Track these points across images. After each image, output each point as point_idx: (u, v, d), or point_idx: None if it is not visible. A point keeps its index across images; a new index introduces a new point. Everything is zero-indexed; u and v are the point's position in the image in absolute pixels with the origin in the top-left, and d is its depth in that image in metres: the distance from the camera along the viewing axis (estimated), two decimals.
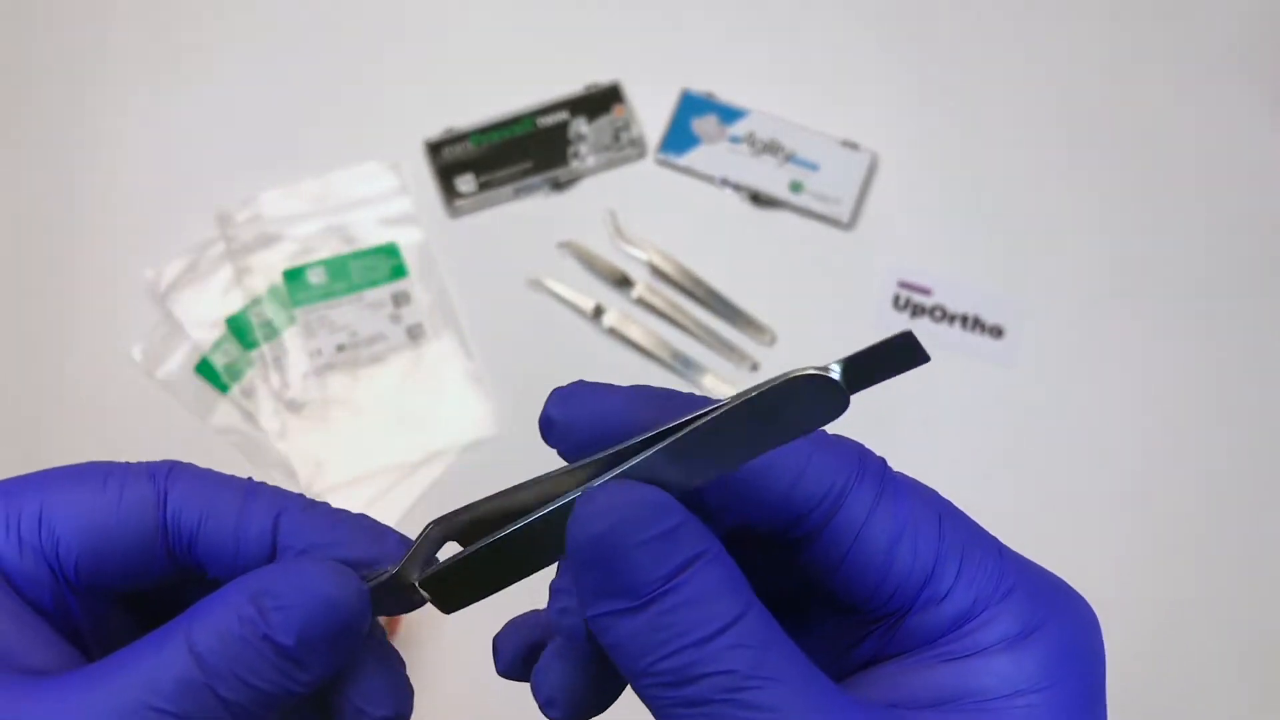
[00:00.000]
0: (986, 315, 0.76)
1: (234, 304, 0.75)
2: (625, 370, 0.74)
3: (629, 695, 0.26)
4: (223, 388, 0.74)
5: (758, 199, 0.79)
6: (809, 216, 0.78)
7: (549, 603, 0.27)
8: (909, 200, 0.79)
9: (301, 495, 0.28)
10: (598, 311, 0.75)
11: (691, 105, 0.80)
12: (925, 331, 0.76)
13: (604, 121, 0.80)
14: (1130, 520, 0.73)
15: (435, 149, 0.79)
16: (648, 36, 0.83)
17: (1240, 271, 0.78)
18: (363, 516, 0.28)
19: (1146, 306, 0.77)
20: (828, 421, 0.24)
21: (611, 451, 0.25)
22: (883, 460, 0.27)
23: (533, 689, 0.27)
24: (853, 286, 0.77)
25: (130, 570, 0.27)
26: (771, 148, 0.79)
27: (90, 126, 0.79)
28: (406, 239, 0.77)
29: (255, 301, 0.75)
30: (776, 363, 0.75)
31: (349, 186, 0.78)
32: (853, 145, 0.79)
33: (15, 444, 0.73)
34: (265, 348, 0.74)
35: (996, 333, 0.76)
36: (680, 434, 0.24)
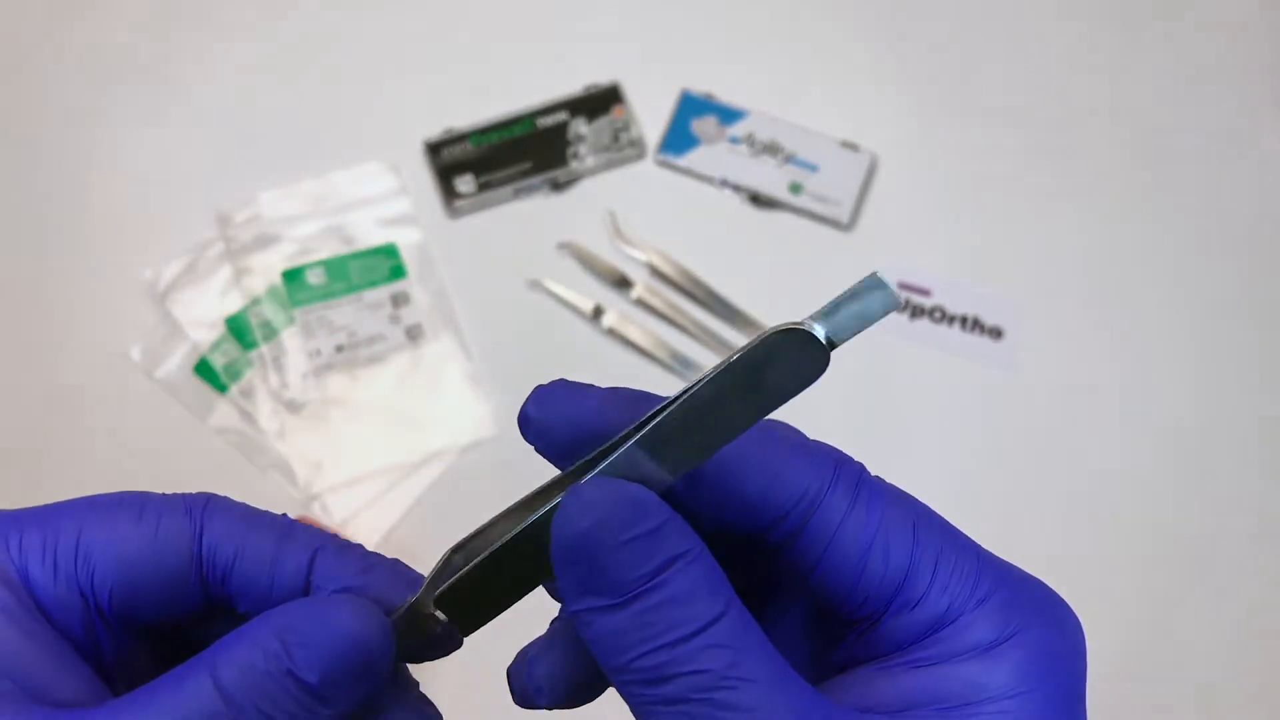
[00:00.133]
0: (986, 316, 0.76)
1: (233, 304, 0.75)
2: (624, 371, 0.74)
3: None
4: (222, 388, 0.74)
5: (757, 200, 0.78)
6: (808, 217, 0.78)
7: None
8: (909, 201, 0.79)
9: (336, 535, 0.28)
10: (597, 312, 0.75)
11: (691, 106, 0.80)
12: (925, 332, 0.76)
13: (603, 122, 0.80)
14: (1130, 521, 0.73)
15: (435, 149, 0.79)
16: (647, 37, 0.83)
17: (1240, 272, 0.78)
18: (396, 561, 0.29)
19: (1146, 308, 0.77)
20: (809, 382, 0.24)
21: (603, 449, 0.25)
22: (861, 466, 0.27)
23: (523, 676, 0.27)
24: None
25: (162, 602, 0.27)
26: (771, 148, 0.79)
27: (89, 127, 0.79)
28: (406, 239, 0.77)
29: (254, 302, 0.75)
30: None
31: (348, 187, 0.78)
32: (852, 146, 0.79)
33: (15, 444, 0.73)
34: (264, 348, 0.74)
35: (996, 334, 0.76)
36: (663, 415, 0.24)
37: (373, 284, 0.76)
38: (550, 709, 0.27)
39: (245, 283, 0.75)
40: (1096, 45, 0.84)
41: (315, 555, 0.27)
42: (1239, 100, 0.82)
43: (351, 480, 0.72)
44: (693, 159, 0.79)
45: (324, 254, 0.76)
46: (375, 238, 0.77)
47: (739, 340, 0.75)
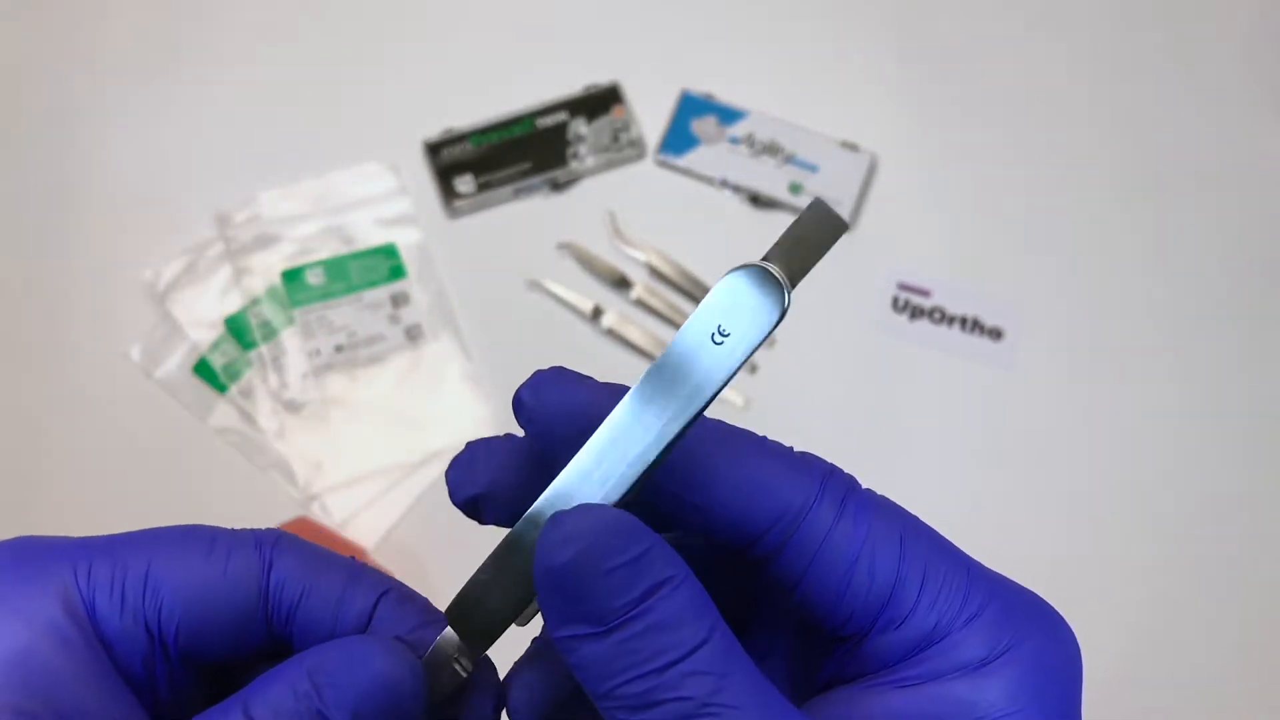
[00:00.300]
0: (986, 317, 0.76)
1: (232, 304, 0.75)
2: (624, 371, 0.74)
3: None
4: (221, 388, 0.74)
5: (757, 200, 0.78)
6: None
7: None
8: (909, 202, 0.79)
9: (403, 584, 0.28)
10: (596, 312, 0.75)
11: (691, 106, 0.80)
12: (925, 333, 0.76)
13: (603, 122, 0.80)
14: (1130, 522, 0.73)
15: (434, 149, 0.79)
16: (647, 37, 0.83)
17: (1240, 273, 0.78)
18: None
19: (1146, 308, 0.77)
20: (770, 323, 0.24)
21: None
22: (851, 478, 0.26)
23: (507, 697, 0.27)
24: (852, 288, 0.77)
25: (227, 640, 0.26)
26: (771, 149, 0.79)
27: (89, 126, 0.79)
28: (405, 240, 0.77)
29: (254, 302, 0.75)
30: (776, 365, 0.75)
31: (348, 187, 0.78)
32: (852, 146, 0.79)
33: (14, 444, 0.73)
34: (264, 348, 0.74)
35: (996, 335, 0.76)
36: (642, 378, 0.24)
37: (372, 284, 0.76)
38: None
39: (245, 283, 0.75)
40: (1097, 46, 0.84)
41: (382, 597, 0.27)
42: (1239, 101, 0.82)
43: (351, 480, 0.72)
44: (693, 159, 0.79)
45: (323, 254, 0.76)
46: (375, 238, 0.77)
47: None
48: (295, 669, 0.25)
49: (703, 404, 0.24)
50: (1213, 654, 0.70)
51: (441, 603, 0.27)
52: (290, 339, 0.74)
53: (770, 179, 0.78)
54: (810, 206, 0.23)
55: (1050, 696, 0.25)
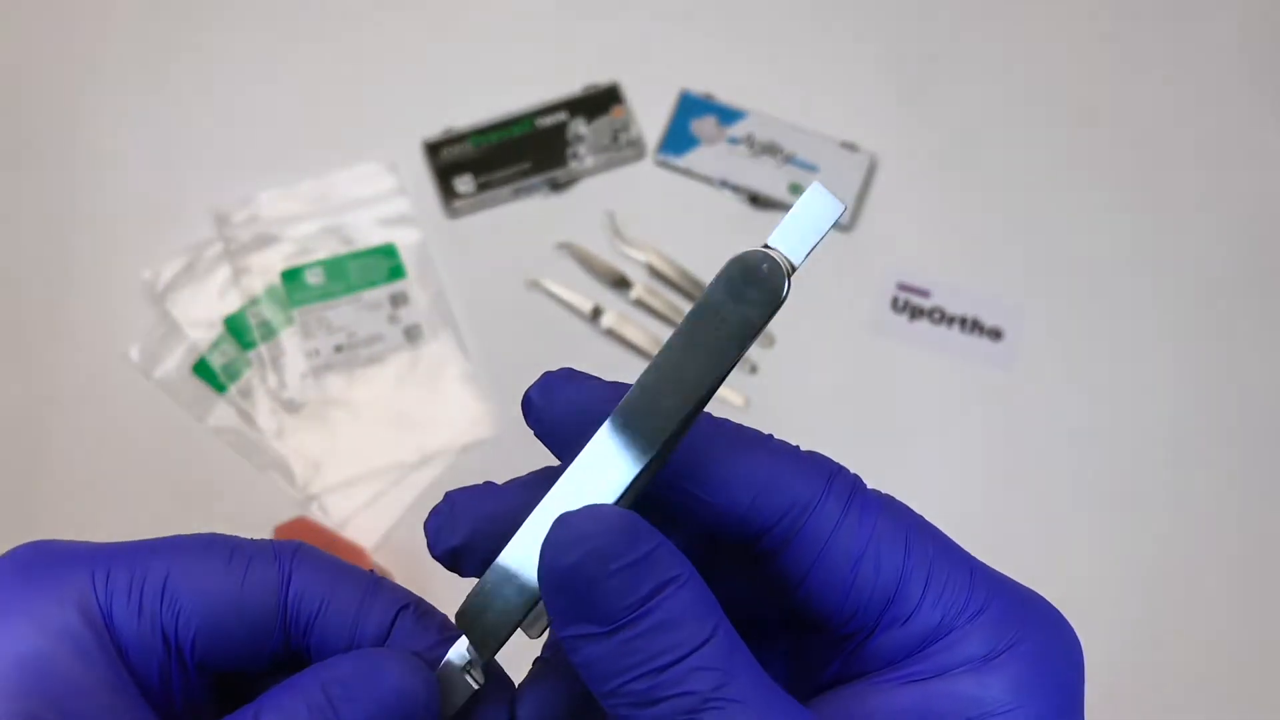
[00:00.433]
0: (985, 317, 0.76)
1: (232, 304, 0.75)
2: (623, 371, 0.74)
3: None
4: (220, 388, 0.74)
5: (756, 200, 0.78)
6: None
7: None
8: (908, 202, 0.79)
9: (422, 600, 0.28)
10: (596, 312, 0.75)
11: (690, 106, 0.80)
12: (924, 333, 0.76)
13: (603, 122, 0.80)
14: (1129, 522, 0.73)
15: (434, 149, 0.79)
16: (647, 37, 0.83)
17: (1241, 274, 0.78)
18: None
19: (1145, 308, 0.77)
20: (772, 306, 0.24)
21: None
22: (856, 477, 0.27)
23: (517, 710, 0.27)
24: (851, 289, 0.77)
25: (244, 650, 0.26)
26: (770, 149, 0.79)
27: (88, 127, 0.79)
28: (404, 240, 0.77)
29: (253, 302, 0.75)
30: (775, 365, 0.75)
31: (347, 187, 0.78)
32: (852, 147, 0.79)
33: (14, 444, 0.72)
34: (263, 348, 0.74)
35: (995, 335, 0.76)
36: (639, 379, 0.24)
37: (371, 284, 0.76)
38: None
39: (244, 283, 0.75)
40: (1097, 46, 0.84)
41: (398, 615, 0.27)
42: (1239, 100, 0.82)
43: (350, 480, 0.72)
44: (692, 159, 0.79)
45: (323, 254, 0.76)
46: (374, 238, 0.77)
47: None
48: (310, 680, 0.25)
49: (690, 413, 0.24)
50: (1213, 653, 0.70)
51: (442, 603, 0.27)
52: (289, 339, 0.74)
53: (770, 179, 0.78)
54: (808, 190, 0.24)
55: (1053, 692, 0.25)
